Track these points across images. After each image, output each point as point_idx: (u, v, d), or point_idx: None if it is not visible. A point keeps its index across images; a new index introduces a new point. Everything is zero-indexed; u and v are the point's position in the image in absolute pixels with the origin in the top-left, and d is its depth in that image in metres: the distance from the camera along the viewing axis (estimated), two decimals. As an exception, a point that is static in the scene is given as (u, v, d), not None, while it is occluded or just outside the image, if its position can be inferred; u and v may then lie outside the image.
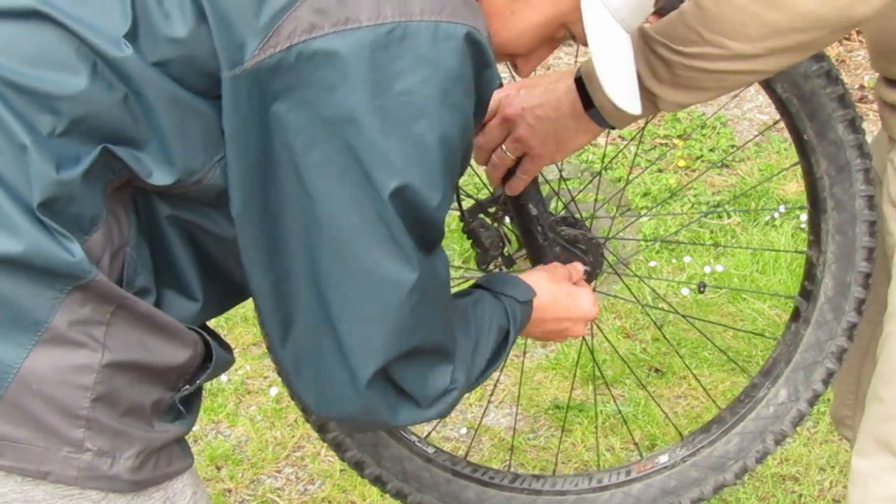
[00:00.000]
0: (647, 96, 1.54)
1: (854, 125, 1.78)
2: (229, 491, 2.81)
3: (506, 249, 1.87)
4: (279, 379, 3.15)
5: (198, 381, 1.31)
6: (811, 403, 1.90)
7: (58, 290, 1.15)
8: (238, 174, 1.23)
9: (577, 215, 1.86)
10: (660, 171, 4.35)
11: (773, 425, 1.91)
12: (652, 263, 3.75)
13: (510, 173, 1.70)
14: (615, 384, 3.15)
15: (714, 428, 1.96)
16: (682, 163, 4.39)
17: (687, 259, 3.76)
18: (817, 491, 2.78)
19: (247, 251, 1.28)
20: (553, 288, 1.62)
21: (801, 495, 2.77)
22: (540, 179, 1.82)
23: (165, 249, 1.29)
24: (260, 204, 1.24)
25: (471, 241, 1.86)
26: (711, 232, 3.97)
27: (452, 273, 1.48)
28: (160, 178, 1.22)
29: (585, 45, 1.38)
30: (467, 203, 1.83)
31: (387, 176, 1.21)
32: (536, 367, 3.25)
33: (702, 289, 2.38)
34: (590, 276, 1.85)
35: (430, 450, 1.95)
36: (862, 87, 5.05)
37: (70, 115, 1.17)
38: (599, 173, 1.97)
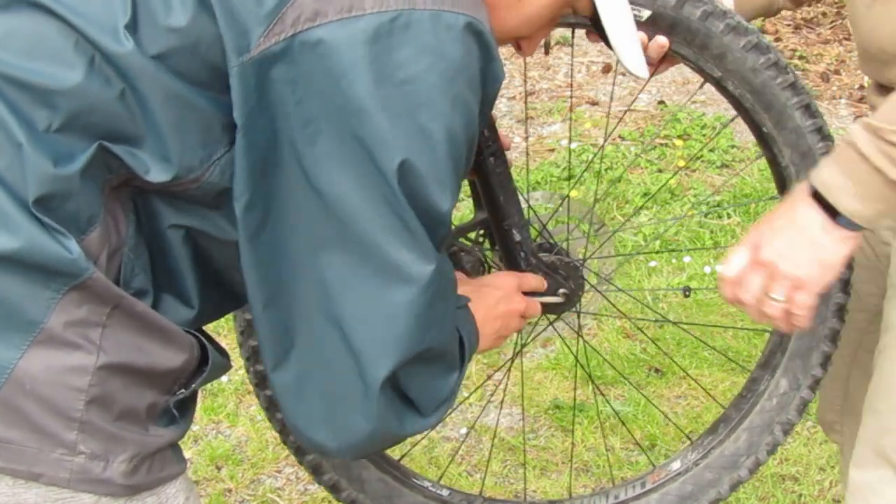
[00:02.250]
0: (894, 189, 1.49)
1: (810, 110, 1.76)
2: (229, 491, 2.81)
3: (485, 274, 1.86)
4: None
5: (193, 385, 1.29)
6: (813, 389, 1.89)
7: (54, 289, 1.14)
8: (245, 168, 1.21)
9: (551, 240, 1.85)
10: (659, 171, 4.35)
11: (779, 416, 1.91)
12: (652, 263, 3.76)
13: None
14: (616, 384, 3.15)
15: (721, 427, 1.95)
16: (681, 163, 4.39)
17: (687, 259, 3.76)
18: (817, 491, 2.78)
19: (246, 255, 1.25)
20: (465, 288, 1.55)
21: (801, 495, 2.77)
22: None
23: (167, 254, 1.27)
24: (264, 202, 1.22)
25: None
26: (711, 232, 3.96)
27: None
28: (157, 174, 1.20)
29: (587, 14, 1.42)
30: None
31: (390, 156, 1.18)
32: (536, 367, 3.24)
33: (686, 293, 2.40)
34: (570, 298, 1.83)
35: (445, 492, 1.93)
36: (862, 87, 5.06)
37: (66, 110, 1.16)
38: (567, 197, 1.96)
